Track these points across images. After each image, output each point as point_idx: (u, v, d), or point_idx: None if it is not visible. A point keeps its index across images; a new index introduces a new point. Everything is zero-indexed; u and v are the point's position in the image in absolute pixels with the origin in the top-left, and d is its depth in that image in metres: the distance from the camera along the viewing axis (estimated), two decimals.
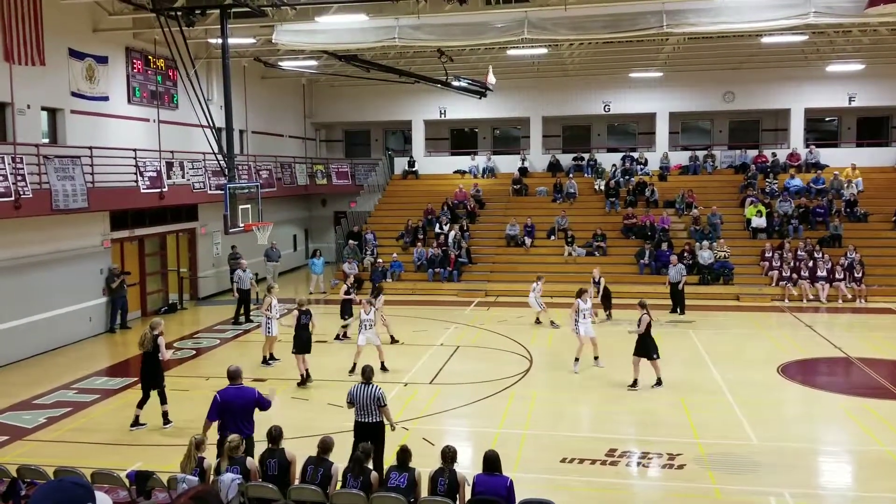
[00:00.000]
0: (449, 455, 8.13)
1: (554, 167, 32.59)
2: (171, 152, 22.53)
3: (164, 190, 20.96)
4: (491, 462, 8.01)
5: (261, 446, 8.98)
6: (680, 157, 32.34)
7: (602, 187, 30.46)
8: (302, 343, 15.28)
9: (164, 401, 12.86)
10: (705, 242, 25.64)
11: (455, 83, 24.22)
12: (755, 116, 34.49)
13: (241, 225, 17.09)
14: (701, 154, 32.12)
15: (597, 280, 20.90)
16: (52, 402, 14.50)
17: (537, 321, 20.83)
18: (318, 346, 17.46)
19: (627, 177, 30.91)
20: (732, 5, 18.37)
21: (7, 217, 16.08)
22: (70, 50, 19.60)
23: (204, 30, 21.33)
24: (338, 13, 19.27)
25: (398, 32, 19.50)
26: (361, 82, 30.25)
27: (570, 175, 31.49)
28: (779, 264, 24.79)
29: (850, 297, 23.73)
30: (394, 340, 18.49)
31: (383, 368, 15.82)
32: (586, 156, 32.74)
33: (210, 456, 8.83)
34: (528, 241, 27.76)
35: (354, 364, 15.85)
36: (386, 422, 10.12)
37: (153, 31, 20.23)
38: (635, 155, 32.21)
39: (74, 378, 16.11)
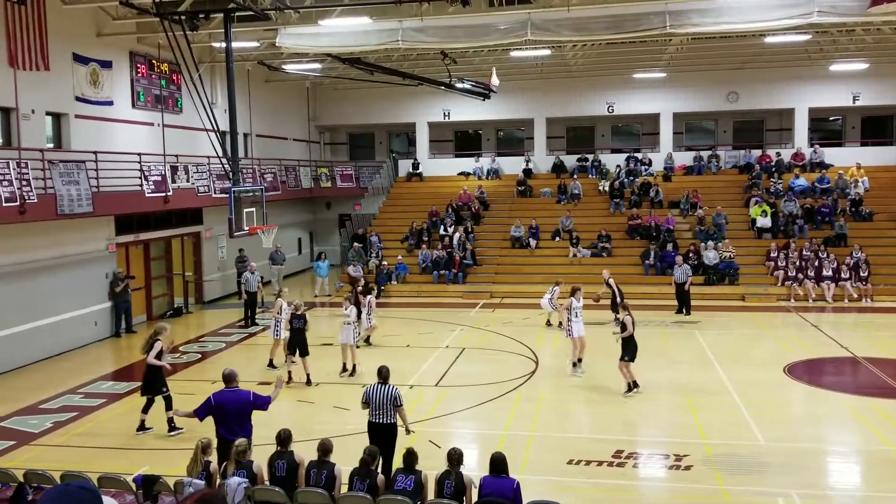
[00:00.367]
0: (455, 457, 8.11)
1: (558, 168, 32.57)
2: (176, 156, 22.57)
3: (168, 194, 20.99)
4: (498, 464, 7.99)
5: (269, 449, 8.95)
6: (684, 158, 32.31)
7: (606, 188, 30.44)
8: (292, 346, 15.38)
9: (169, 406, 12.78)
10: (710, 243, 25.61)
11: (459, 85, 24.26)
12: (759, 116, 34.44)
13: (246, 228, 17.12)
14: (705, 154, 32.09)
15: (608, 281, 20.70)
16: (58, 407, 14.52)
17: (548, 323, 20.80)
18: (324, 349, 17.48)
19: (632, 177, 30.87)
20: (735, 5, 18.33)
21: (12, 222, 16.12)
22: (74, 55, 19.65)
23: (207, 34, 21.38)
24: (341, 16, 19.29)
25: (401, 35, 19.51)
26: (365, 85, 30.28)
27: (575, 176, 31.46)
28: (784, 264, 24.74)
29: (855, 296, 23.65)
30: (366, 341, 18.55)
31: (352, 372, 15.97)
32: (590, 157, 32.73)
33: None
34: (532, 242, 27.74)
35: (344, 364, 16.06)
36: (400, 424, 10.10)
37: (157, 35, 20.26)
38: (639, 156, 32.17)
39: (80, 382, 16.12)
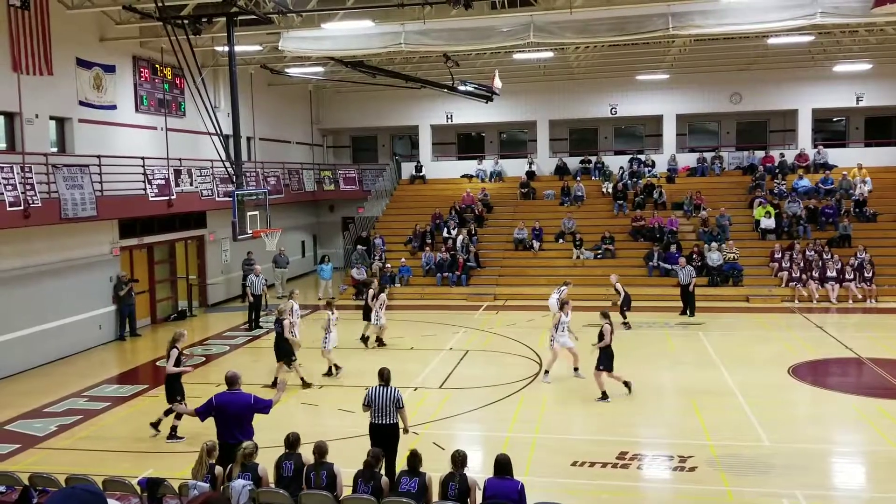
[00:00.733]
0: (459, 459, 8.11)
1: (561, 170, 32.57)
2: (179, 160, 22.61)
3: (172, 197, 21.02)
4: (502, 466, 7.99)
5: (274, 452, 8.94)
6: (687, 159, 32.30)
7: (610, 190, 30.45)
8: (277, 351, 15.46)
9: (170, 411, 12.74)
10: (714, 244, 25.58)
11: (461, 88, 24.23)
12: (762, 117, 34.41)
13: (250, 231, 17.14)
14: (709, 156, 32.06)
15: (615, 285, 20.62)
16: (63, 410, 14.55)
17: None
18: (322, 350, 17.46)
19: (635, 179, 30.86)
20: (738, 7, 18.34)
21: (16, 226, 16.16)
22: (77, 59, 19.71)
23: (210, 38, 21.43)
24: (344, 19, 19.33)
25: (404, 38, 19.54)
26: (368, 88, 30.25)
27: (578, 178, 31.47)
28: (788, 265, 24.70)
29: (860, 297, 23.61)
30: (379, 342, 18.77)
31: (328, 373, 16.19)
32: (593, 158, 32.73)
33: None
34: (536, 244, 27.74)
35: (330, 366, 16.27)
36: (400, 424, 10.13)
37: (160, 39, 20.30)
38: (643, 157, 32.17)
39: (85, 386, 16.15)
